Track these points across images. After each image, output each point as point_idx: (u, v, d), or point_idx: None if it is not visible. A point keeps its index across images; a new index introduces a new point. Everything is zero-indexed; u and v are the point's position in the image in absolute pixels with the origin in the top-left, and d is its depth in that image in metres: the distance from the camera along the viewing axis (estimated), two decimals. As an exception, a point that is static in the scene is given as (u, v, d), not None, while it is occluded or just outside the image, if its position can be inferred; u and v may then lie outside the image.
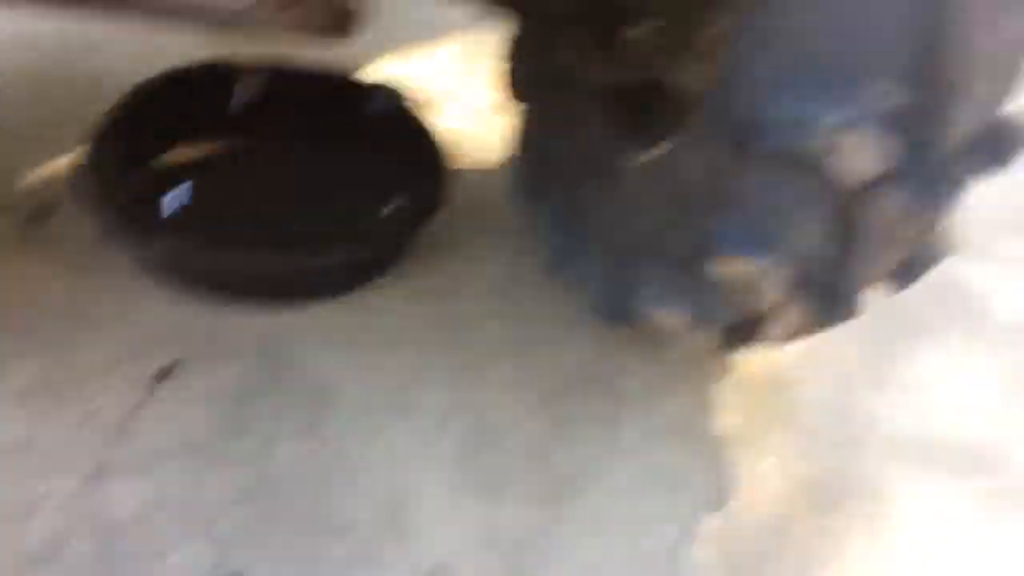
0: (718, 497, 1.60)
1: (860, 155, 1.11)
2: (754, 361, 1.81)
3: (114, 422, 1.56)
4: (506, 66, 2.02)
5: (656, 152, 1.59)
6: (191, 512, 1.46)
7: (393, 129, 2.09)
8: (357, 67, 2.37)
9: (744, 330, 1.49)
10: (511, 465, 1.59)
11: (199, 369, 1.67)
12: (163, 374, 1.65)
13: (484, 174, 2.19)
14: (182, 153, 2.06)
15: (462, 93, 2.44)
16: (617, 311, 1.64)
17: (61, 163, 1.97)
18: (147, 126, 1.97)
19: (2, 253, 1.81)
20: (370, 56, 2.56)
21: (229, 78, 2.09)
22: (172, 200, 1.97)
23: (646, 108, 1.79)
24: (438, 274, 1.93)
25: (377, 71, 2.28)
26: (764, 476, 1.64)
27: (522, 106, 2.00)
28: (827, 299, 1.33)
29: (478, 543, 1.49)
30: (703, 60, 1.63)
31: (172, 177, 2.01)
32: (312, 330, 1.77)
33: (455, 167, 1.98)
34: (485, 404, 1.68)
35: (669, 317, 1.48)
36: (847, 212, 1.18)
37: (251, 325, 1.76)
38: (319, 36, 1.45)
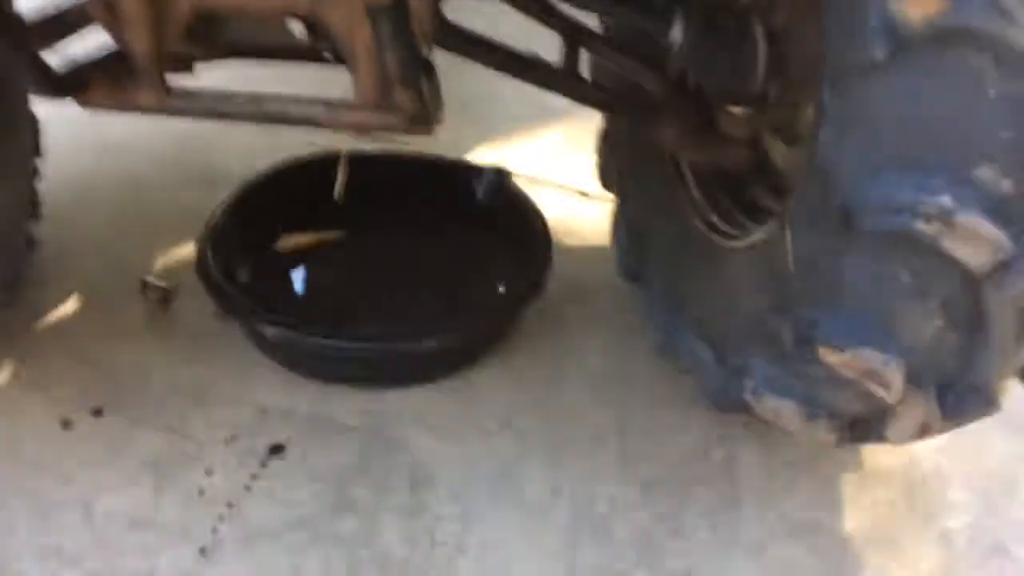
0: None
1: (974, 239, 1.07)
2: (886, 454, 1.72)
3: (226, 498, 1.61)
4: (602, 155, 2.06)
5: (757, 236, 1.58)
6: (295, 591, 1.48)
7: (499, 211, 2.14)
8: (463, 152, 2.45)
9: (866, 425, 1.42)
10: (619, 557, 1.55)
11: (307, 447, 1.71)
12: (274, 451, 1.70)
13: (586, 259, 2.22)
14: (294, 240, 2.16)
15: (563, 178, 2.49)
16: (728, 398, 1.61)
17: (183, 251, 2.09)
18: (260, 216, 2.08)
19: (132, 335, 1.91)
20: (475, 141, 2.65)
21: (336, 169, 2.19)
22: (287, 285, 2.06)
23: (744, 192, 1.79)
24: (541, 359, 1.93)
25: (483, 156, 2.35)
26: (895, 584, 1.53)
27: (619, 193, 2.03)
28: (956, 394, 1.27)
29: (580, 638, 1.45)
30: (802, 143, 1.63)
31: (285, 264, 2.11)
32: (415, 413, 1.80)
33: (556, 248, 2.00)
34: (588, 493, 1.66)
35: (779, 407, 1.44)
36: (966, 300, 1.14)
37: (357, 406, 1.80)
38: (405, 133, 1.51)
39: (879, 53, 1.07)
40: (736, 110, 1.65)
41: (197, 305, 1.96)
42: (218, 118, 1.41)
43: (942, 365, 1.25)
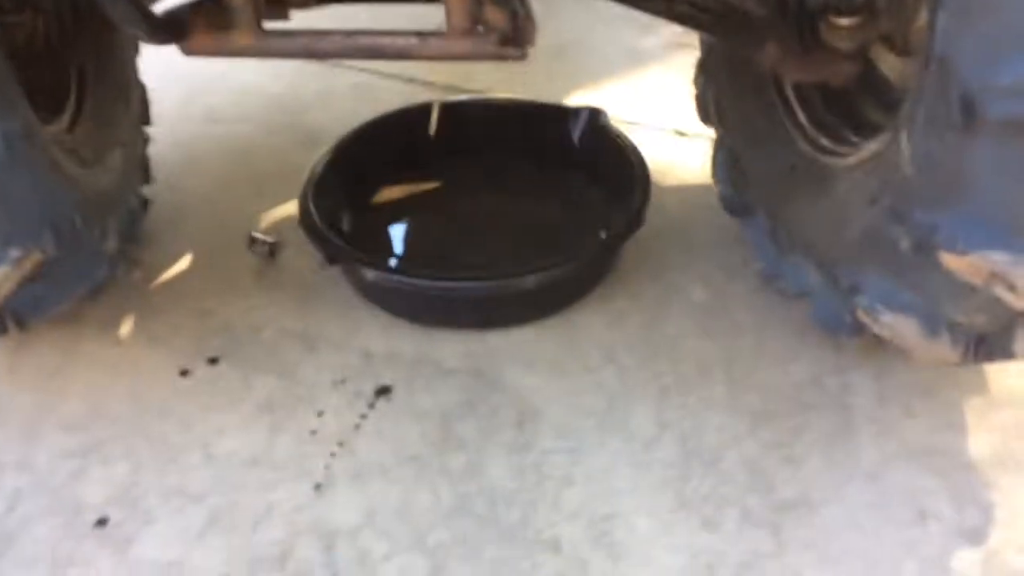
0: (973, 530, 1.42)
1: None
2: (1014, 376, 1.63)
3: (337, 437, 1.65)
4: (699, 86, 1.99)
5: (868, 150, 1.50)
6: (406, 524, 1.50)
7: (595, 150, 2.10)
8: (558, 98, 2.42)
9: (990, 340, 1.34)
10: (728, 487, 1.51)
11: (412, 389, 1.73)
12: (381, 392, 1.72)
13: (686, 197, 2.16)
14: (393, 192, 2.18)
15: (659, 119, 2.43)
16: (842, 322, 1.54)
17: (287, 209, 2.14)
18: (359, 168, 2.11)
19: (242, 288, 1.97)
20: (570, 87, 2.61)
21: (428, 120, 2.20)
22: (388, 235, 2.08)
23: (852, 108, 1.70)
24: (643, 296, 1.90)
25: (577, 101, 2.32)
26: (1027, 507, 1.45)
27: (719, 125, 1.97)
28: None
29: (695, 569, 1.42)
30: (913, 51, 1.53)
31: (386, 215, 2.13)
32: (517, 353, 1.79)
33: (654, 188, 1.95)
34: (697, 425, 1.62)
35: (897, 324, 1.37)
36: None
37: (459, 348, 1.80)
38: (496, 59, 1.48)
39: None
40: (842, 21, 1.57)
41: (302, 258, 2.01)
42: (313, 57, 1.43)
43: (1077, 266, 1.16)
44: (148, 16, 1.36)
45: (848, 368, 1.68)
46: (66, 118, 1.81)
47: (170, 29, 1.38)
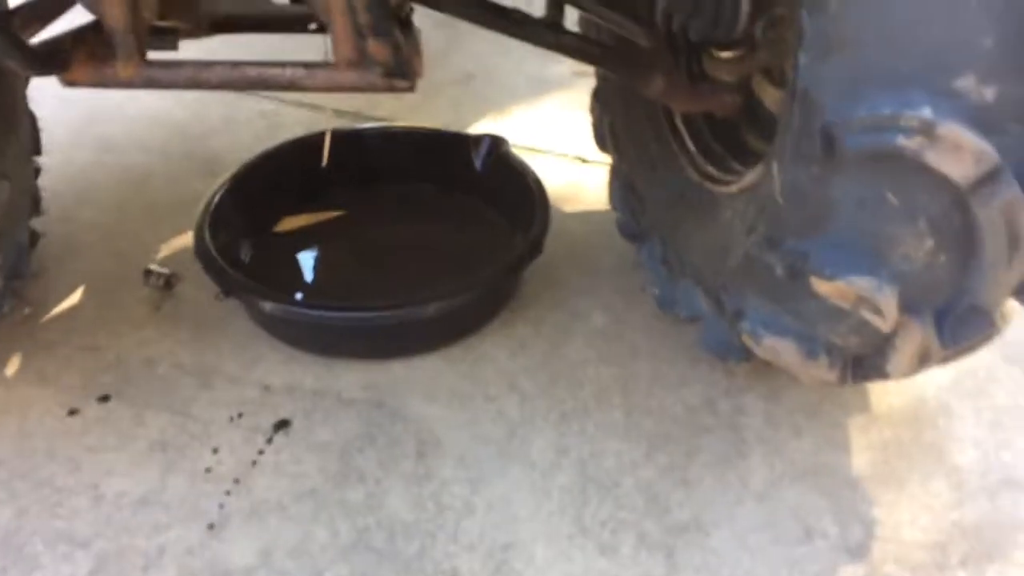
0: (857, 546, 1.47)
1: (957, 151, 1.04)
2: (892, 395, 1.70)
3: (233, 474, 1.61)
4: (595, 114, 2.04)
5: (749, 178, 1.56)
6: (303, 562, 1.47)
7: (496, 178, 2.13)
8: (463, 126, 2.44)
9: (866, 361, 1.39)
10: (625, 512, 1.54)
11: (312, 422, 1.71)
12: (279, 426, 1.70)
13: (587, 223, 2.20)
14: (294, 221, 2.16)
15: (562, 146, 2.47)
16: (731, 345, 1.59)
17: (185, 239, 2.10)
18: (259, 197, 2.08)
19: (137, 322, 1.93)
20: (475, 115, 2.64)
21: (330, 148, 2.19)
22: (288, 265, 2.06)
23: (736, 138, 1.76)
24: (543, 322, 1.92)
25: (482, 129, 2.34)
26: (909, 523, 1.50)
27: (614, 152, 2.01)
28: (953, 318, 1.24)
29: (591, 592, 1.43)
30: (785, 81, 1.60)
31: (286, 245, 2.11)
32: (419, 382, 1.79)
33: (556, 214, 1.98)
34: (595, 451, 1.64)
35: (778, 347, 1.41)
36: (957, 217, 1.11)
37: (361, 379, 1.79)
38: (384, 91, 1.49)
39: (852, -33, 1.05)
40: (724, 54, 1.63)
41: (200, 290, 1.97)
42: (199, 87, 1.41)
43: (936, 289, 1.22)
44: (22, 47, 1.32)
45: (740, 391, 1.73)
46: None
47: (50, 59, 1.35)
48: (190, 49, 1.69)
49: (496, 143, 2.18)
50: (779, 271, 1.31)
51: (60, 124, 2.35)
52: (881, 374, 1.37)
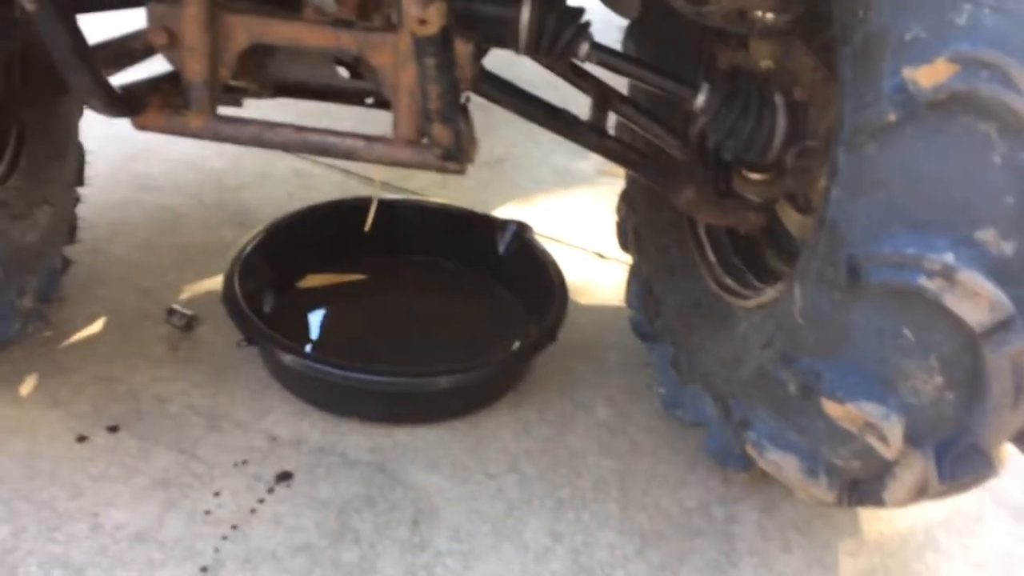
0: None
1: (974, 297, 1.11)
2: (883, 523, 1.74)
3: (232, 520, 1.63)
4: (621, 214, 2.13)
5: (768, 295, 1.63)
6: (292, 615, 1.49)
7: (518, 263, 2.20)
8: (488, 208, 2.53)
9: (864, 485, 1.43)
10: (611, 605, 1.56)
11: (314, 477, 1.73)
12: (281, 478, 1.72)
13: (599, 317, 2.26)
14: (317, 280, 2.22)
15: (582, 239, 2.55)
16: (732, 454, 1.63)
17: (209, 284, 2.16)
18: (287, 253, 2.15)
19: (154, 358, 1.96)
20: (500, 199, 2.73)
21: (362, 214, 2.27)
22: (299, 324, 2.11)
23: (756, 255, 1.84)
24: (549, 408, 1.97)
25: (506, 213, 2.43)
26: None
27: (635, 253, 2.09)
28: (953, 456, 1.29)
29: None
30: (811, 209, 1.69)
31: (307, 301, 2.17)
32: (422, 451, 1.82)
33: (575, 302, 2.05)
34: (588, 541, 1.67)
35: (780, 461, 1.46)
36: (968, 360, 1.17)
37: (366, 441, 1.83)
38: (436, 171, 1.57)
39: (891, 116, 1.14)
40: (753, 176, 1.72)
41: (218, 335, 2.02)
42: (261, 146, 1.49)
43: (941, 424, 1.28)
44: (108, 89, 1.40)
45: (735, 499, 1.76)
46: (0, 170, 1.81)
47: (127, 103, 1.43)
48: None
49: (521, 229, 2.26)
50: (791, 388, 1.37)
51: (102, 158, 2.42)
52: (877, 501, 1.42)
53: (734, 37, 1.71)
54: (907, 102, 1.12)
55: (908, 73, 1.11)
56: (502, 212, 2.56)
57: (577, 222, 2.66)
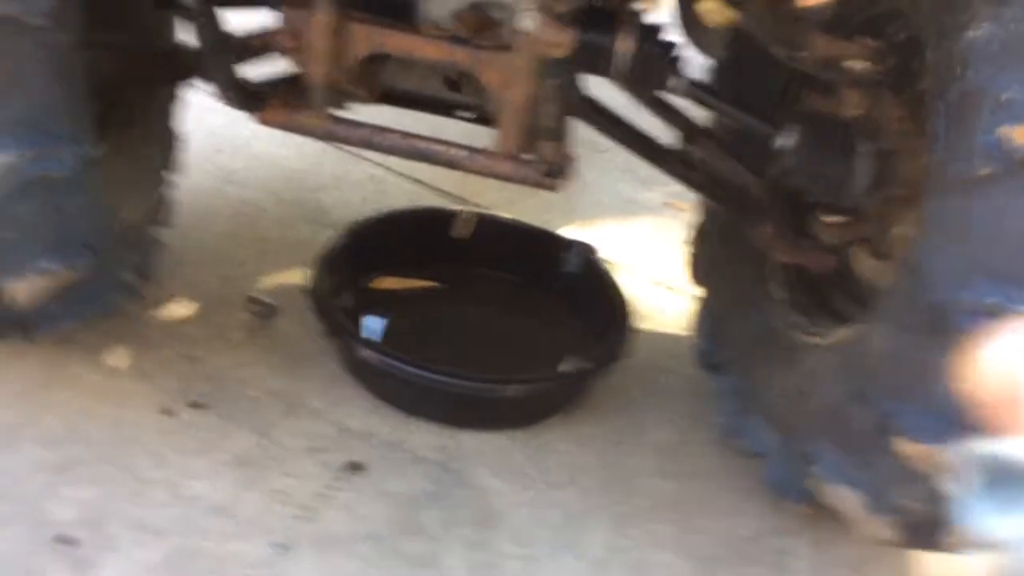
0: None
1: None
2: (939, 565, 1.72)
3: (304, 502, 1.70)
4: (694, 247, 2.19)
5: (840, 335, 1.68)
6: (359, 598, 1.55)
7: (584, 282, 2.26)
8: (552, 227, 2.60)
9: (927, 528, 1.47)
10: (665, 620, 1.60)
11: (383, 470, 1.80)
12: (353, 468, 1.79)
13: (658, 346, 2.31)
14: (394, 281, 2.30)
15: (643, 267, 2.61)
16: (791, 487, 1.68)
17: (286, 276, 2.25)
18: (367, 252, 2.23)
19: (234, 342, 2.05)
20: (563, 222, 2.80)
21: (440, 222, 2.35)
22: (373, 323, 2.18)
23: (825, 295, 1.89)
24: (607, 427, 2.02)
25: (575, 232, 2.49)
26: None
27: (706, 285, 2.15)
28: (1021, 506, 1.33)
29: None
30: (890, 257, 1.74)
31: (379, 301, 2.24)
32: (484, 454, 1.89)
33: (636, 327, 2.11)
34: (644, 558, 1.72)
35: (844, 496, 1.51)
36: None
37: (433, 440, 1.89)
38: (533, 186, 1.65)
39: (984, 170, 1.20)
40: (830, 219, 1.78)
41: (295, 326, 2.10)
42: (371, 148, 1.57)
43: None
44: (239, 85, 1.49)
45: (789, 532, 1.80)
46: (108, 148, 1.91)
47: (251, 98, 1.52)
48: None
49: (588, 250, 2.33)
50: (864, 425, 1.42)
51: (190, 148, 2.52)
52: (937, 545, 1.46)
53: (820, 82, 1.77)
54: (1001, 158, 1.18)
55: (1004, 131, 1.17)
56: (565, 234, 2.63)
57: (639, 250, 2.71)
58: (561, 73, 1.31)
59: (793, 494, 1.71)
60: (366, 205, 2.62)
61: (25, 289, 1.51)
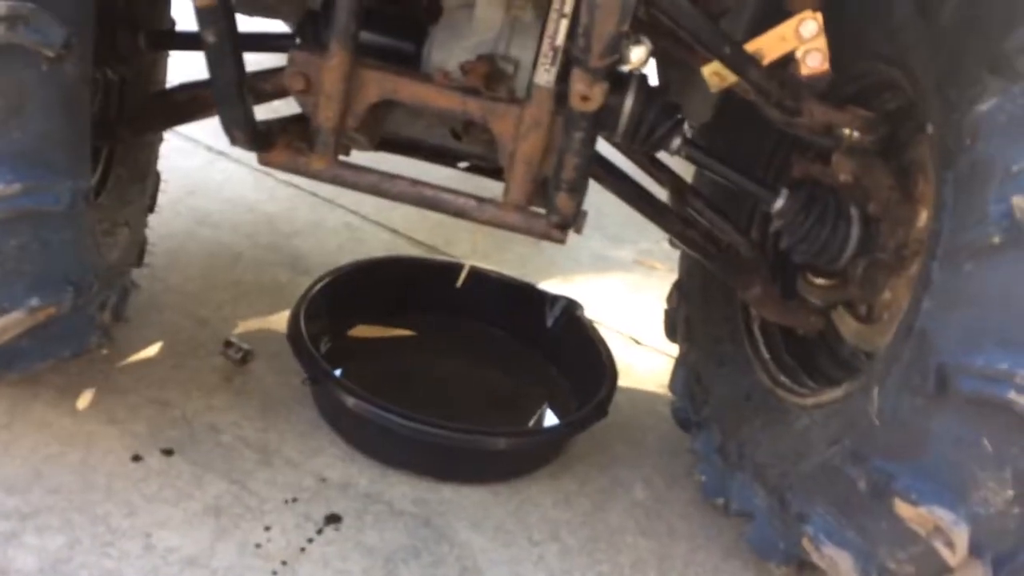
0: None
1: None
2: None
3: (282, 555, 1.64)
4: (672, 303, 2.20)
5: (829, 395, 1.70)
6: (339, 658, 1.49)
7: (566, 338, 2.26)
8: (526, 279, 2.60)
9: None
10: None
11: (362, 523, 1.75)
12: (330, 520, 1.74)
13: (635, 402, 2.31)
14: (372, 330, 2.26)
15: (618, 323, 2.62)
16: (775, 547, 1.67)
17: (262, 321, 2.20)
18: (346, 300, 2.20)
19: (208, 387, 1.99)
20: (542, 276, 2.80)
21: (420, 271, 2.34)
22: (350, 371, 2.14)
23: (809, 356, 1.92)
24: (589, 484, 2.00)
25: (550, 287, 2.50)
26: None
27: (684, 342, 2.16)
28: (1010, 569, 1.34)
29: None
30: (872, 319, 1.77)
31: (357, 348, 2.21)
32: (465, 509, 1.85)
33: (617, 384, 2.10)
34: (626, 617, 1.69)
35: (835, 557, 1.50)
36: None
37: (412, 493, 1.85)
38: (540, 238, 1.64)
39: (995, 239, 1.23)
40: (818, 280, 1.81)
41: (271, 372, 2.05)
42: (378, 195, 1.55)
43: (1003, 537, 1.33)
44: (253, 124, 1.47)
45: (772, 594, 1.79)
46: (96, 185, 1.86)
47: (257, 138, 1.49)
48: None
49: (572, 306, 2.33)
50: (860, 486, 1.42)
51: (164, 188, 2.48)
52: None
53: (811, 147, 1.82)
54: (1012, 227, 1.22)
55: (1017, 201, 1.20)
56: (554, 285, 2.63)
57: (613, 306, 2.73)
58: (587, 127, 1.32)
59: (776, 555, 1.70)
60: (341, 252, 2.59)
61: (3, 324, 1.44)
